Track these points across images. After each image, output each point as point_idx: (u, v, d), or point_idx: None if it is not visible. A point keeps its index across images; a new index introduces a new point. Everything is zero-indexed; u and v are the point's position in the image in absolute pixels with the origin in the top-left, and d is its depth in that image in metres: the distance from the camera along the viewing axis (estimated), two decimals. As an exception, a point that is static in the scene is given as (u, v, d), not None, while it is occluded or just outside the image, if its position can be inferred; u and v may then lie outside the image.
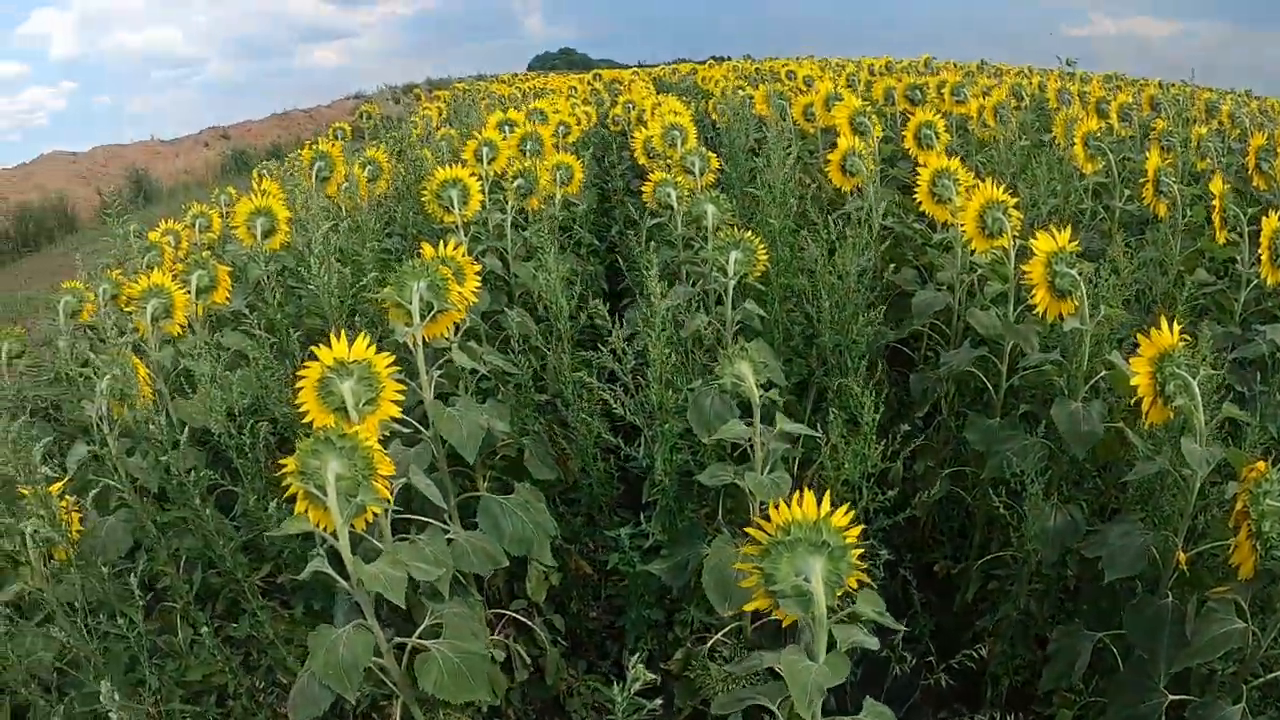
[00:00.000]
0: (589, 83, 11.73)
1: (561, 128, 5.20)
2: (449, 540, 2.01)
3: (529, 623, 2.70)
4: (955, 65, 13.83)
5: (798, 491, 1.57)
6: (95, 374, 2.51)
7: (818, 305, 3.06)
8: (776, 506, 1.57)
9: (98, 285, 4.05)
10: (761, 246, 2.92)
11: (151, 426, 2.37)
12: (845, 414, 2.59)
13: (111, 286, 3.88)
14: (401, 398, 1.95)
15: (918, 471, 3.27)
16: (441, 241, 2.48)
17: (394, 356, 1.94)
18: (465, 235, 3.23)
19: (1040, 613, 2.78)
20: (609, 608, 3.37)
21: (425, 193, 3.43)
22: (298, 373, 1.93)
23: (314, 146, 4.19)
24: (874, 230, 3.30)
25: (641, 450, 2.60)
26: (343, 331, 1.92)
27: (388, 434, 1.96)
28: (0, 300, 14.63)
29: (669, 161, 4.29)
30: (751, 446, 2.30)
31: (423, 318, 2.16)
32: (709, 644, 2.40)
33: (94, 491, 2.41)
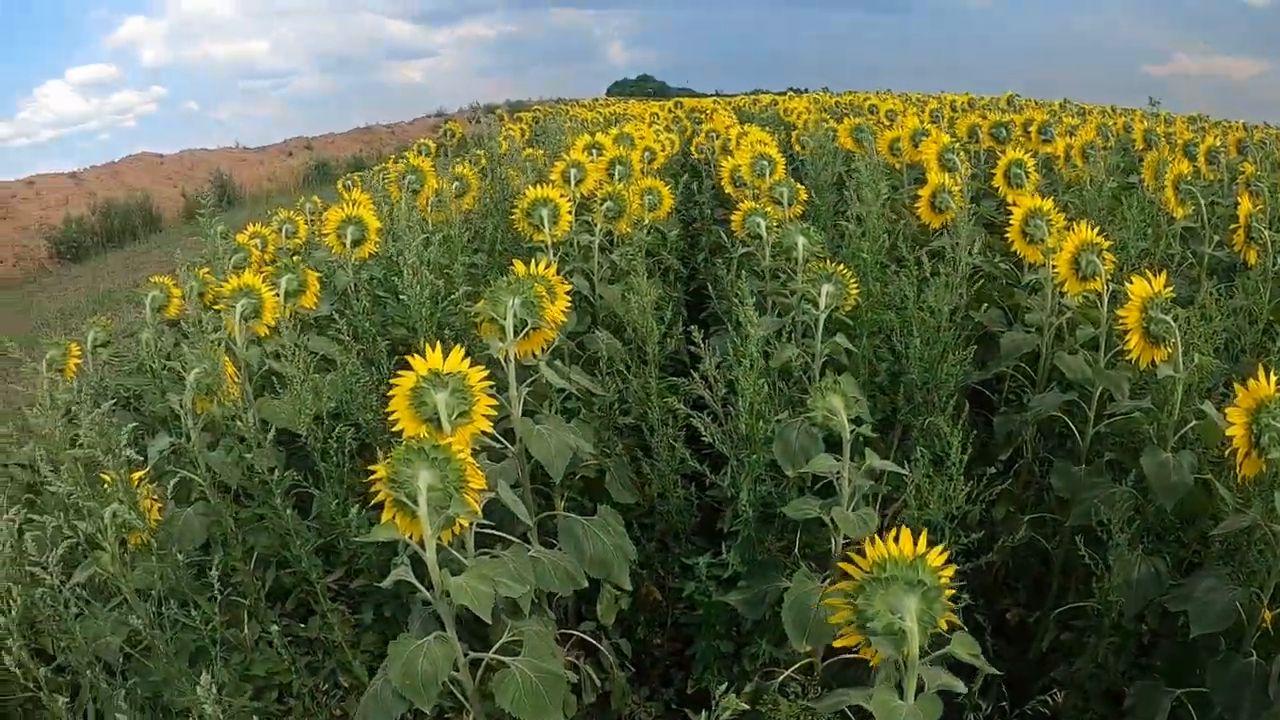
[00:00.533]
0: (670, 110, 11.77)
1: (647, 154, 5.22)
2: (532, 558, 2.00)
3: (597, 645, 2.68)
4: (1037, 103, 13.66)
5: (893, 529, 1.54)
6: (183, 368, 2.55)
7: (906, 342, 3.02)
8: (871, 543, 1.55)
9: (185, 282, 4.14)
10: (853, 280, 2.89)
11: (239, 423, 2.40)
12: (930, 453, 2.55)
13: (199, 284, 3.96)
14: (494, 412, 1.95)
15: (996, 516, 3.21)
16: (533, 260, 2.49)
17: (487, 370, 1.94)
18: (554, 255, 3.24)
19: (1115, 666, 2.69)
20: (675, 635, 3.34)
21: (516, 211, 3.45)
22: (390, 380, 1.94)
23: (401, 160, 4.26)
24: (964, 268, 3.25)
25: (727, 479, 2.58)
26: (437, 343, 1.93)
27: (476, 448, 1.96)
28: (84, 292, 15.02)
29: (756, 191, 4.28)
30: (838, 481, 2.27)
31: (516, 334, 2.16)
32: (779, 679, 2.37)
33: (173, 481, 2.43)
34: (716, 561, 2.65)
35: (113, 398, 3.67)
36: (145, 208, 22.62)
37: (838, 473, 2.26)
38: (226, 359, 2.68)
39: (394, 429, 1.92)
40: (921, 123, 5.65)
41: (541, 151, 5.31)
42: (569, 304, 2.44)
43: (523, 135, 8.05)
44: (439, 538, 1.69)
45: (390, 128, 33.27)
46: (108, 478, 2.36)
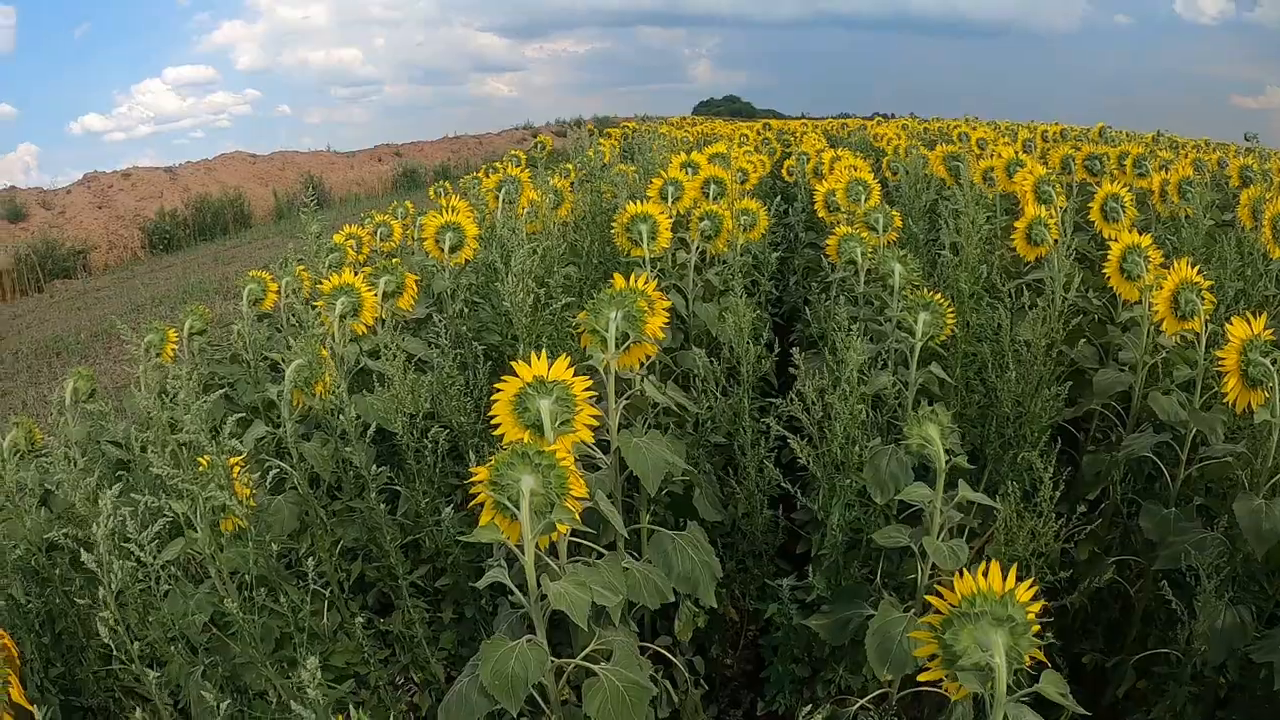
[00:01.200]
0: (759, 131, 11.76)
1: (739, 174, 5.23)
2: (624, 569, 2.02)
3: (673, 659, 2.69)
4: (1129, 135, 13.39)
5: (983, 563, 1.53)
6: (281, 360, 2.61)
7: (1000, 375, 2.99)
8: (960, 576, 1.54)
9: (280, 278, 4.24)
10: (949, 310, 2.87)
11: (341, 418, 2.45)
12: (1020, 488, 2.53)
13: (294, 280, 4.06)
14: (596, 423, 1.97)
15: (1078, 556, 3.16)
16: (631, 274, 2.51)
17: (592, 382, 1.96)
18: (650, 271, 3.26)
19: (1193, 716, 2.64)
20: (746, 656, 3.34)
21: (615, 225, 3.48)
22: (486, 386, 1.97)
23: (492, 172, 4.32)
24: (1059, 304, 3.21)
25: (817, 502, 2.57)
26: (542, 351, 1.95)
27: (574, 457, 1.98)
28: (175, 282, 15.40)
29: (850, 216, 4.27)
30: (929, 511, 2.26)
31: (616, 347, 2.18)
32: (853, 707, 2.35)
33: (273, 470, 2.49)
34: (800, 585, 2.64)
35: (206, 385, 3.78)
36: (237, 204, 23.22)
37: (930, 503, 2.24)
38: (325, 354, 2.74)
39: (495, 433, 1.95)
40: (1015, 153, 5.60)
41: (633, 168, 5.34)
42: (667, 319, 2.46)
43: (613, 151, 8.11)
44: (536, 543, 1.71)
45: (478, 138, 33.74)
46: (205, 461, 2.42)
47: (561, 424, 1.88)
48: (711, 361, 2.91)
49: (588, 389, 1.94)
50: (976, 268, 3.35)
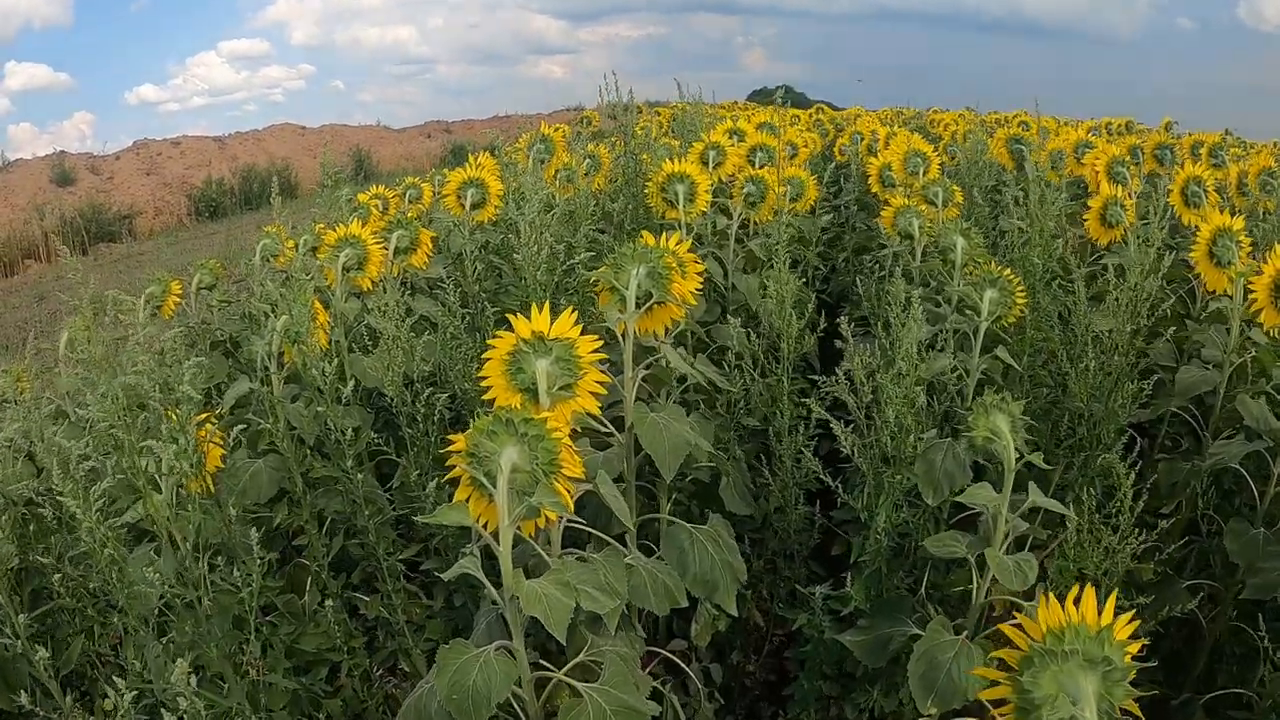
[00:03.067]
0: (812, 114, 11.37)
1: (789, 148, 4.89)
2: (628, 566, 1.70)
3: (685, 667, 2.38)
4: (1193, 135, 12.77)
5: (1077, 587, 1.23)
6: (273, 311, 2.34)
7: (1075, 365, 2.64)
8: (1044, 602, 1.23)
9: (300, 236, 3.98)
10: (1019, 288, 2.55)
11: (317, 374, 2.16)
12: (1094, 497, 2.19)
13: (312, 238, 3.78)
14: (603, 390, 1.65)
15: (1141, 575, 2.81)
16: (663, 236, 2.19)
17: (601, 341, 1.65)
18: (686, 237, 2.95)
19: (1270, 766, 2.30)
20: (771, 665, 3.03)
21: (650, 185, 3.17)
22: (486, 342, 1.67)
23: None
24: (1148, 288, 2.83)
25: (860, 501, 2.24)
26: (545, 304, 1.65)
27: (577, 430, 1.67)
28: (217, 248, 15.30)
29: (907, 191, 3.94)
30: (992, 519, 1.94)
31: (637, 307, 1.88)
32: (887, 737, 2.06)
33: (239, 428, 2.21)
34: (838, 594, 2.32)
35: (210, 341, 3.53)
36: (284, 175, 23.17)
37: (995, 508, 1.92)
38: (320, 309, 2.47)
39: (484, 397, 1.65)
40: (1086, 133, 5.24)
41: (678, 141, 5.00)
42: (700, 285, 2.13)
43: (661, 127, 7.80)
44: (518, 529, 1.40)
45: (529, 118, 33.50)
46: (174, 416, 2.18)
47: (560, 389, 1.58)
48: (749, 337, 2.59)
49: (596, 350, 1.63)
50: (1051, 242, 2.99)
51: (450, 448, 1.43)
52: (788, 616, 2.58)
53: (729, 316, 3.11)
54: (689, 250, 2.11)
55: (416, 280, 3.33)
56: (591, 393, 1.63)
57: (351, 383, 2.21)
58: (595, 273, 1.97)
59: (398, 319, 2.34)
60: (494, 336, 1.67)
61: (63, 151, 23.20)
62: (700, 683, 2.41)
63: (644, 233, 2.09)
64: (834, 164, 5.70)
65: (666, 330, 2.07)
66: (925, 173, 3.99)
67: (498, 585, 1.41)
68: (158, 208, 20.98)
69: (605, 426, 1.86)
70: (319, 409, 2.14)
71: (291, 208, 3.98)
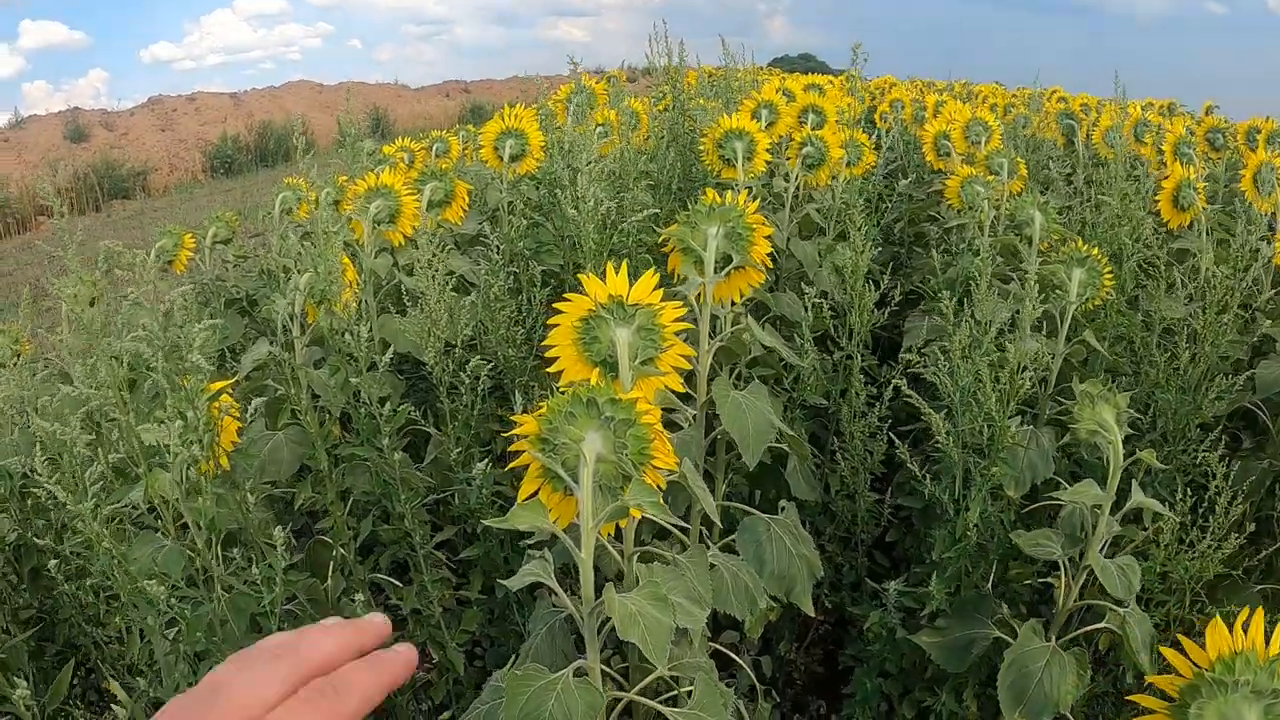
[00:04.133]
0: (847, 79, 11.01)
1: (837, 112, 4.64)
2: (711, 566, 1.48)
3: (736, 659, 2.16)
4: (1251, 121, 12.39)
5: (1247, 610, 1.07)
6: (296, 268, 2.12)
7: (1166, 352, 2.42)
8: (1214, 627, 1.06)
9: (321, 189, 3.77)
10: (1108, 269, 2.33)
11: (348, 337, 1.94)
12: (1189, 498, 1.98)
13: (335, 191, 3.56)
14: (687, 365, 1.43)
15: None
16: (729, 194, 1.96)
17: (685, 309, 1.43)
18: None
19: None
20: (817, 655, 2.84)
21: (704, 142, 2.94)
22: (553, 305, 1.43)
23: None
24: (1248, 270, 2.60)
25: (948, 493, 2.03)
26: (621, 264, 1.42)
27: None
28: (233, 205, 15.12)
29: (966, 161, 3.71)
30: (1094, 518, 1.73)
31: (716, 271, 1.66)
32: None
33: (256, 402, 2.00)
34: (919, 591, 2.11)
35: (225, 299, 3.32)
36: (300, 132, 22.90)
37: (1096, 508, 1.72)
38: (349, 265, 2.25)
39: (550, 369, 1.44)
40: (1141, 111, 4.97)
41: (714, 103, 4.74)
42: (770, 249, 1.91)
43: (690, 89, 7.55)
44: (600, 531, 1.16)
45: (549, 79, 33.05)
46: (185, 384, 1.97)
47: (643, 363, 1.36)
48: (821, 308, 2.36)
49: (680, 319, 1.42)
50: (1137, 219, 2.76)
51: (514, 431, 1.21)
52: (857, 613, 2.38)
53: (781, 288, 2.89)
54: (756, 206, 1.89)
55: (451, 235, 3.11)
56: (676, 368, 1.41)
57: (389, 350, 1.98)
58: (668, 231, 1.75)
59: (440, 278, 2.12)
60: (544, 306, 1.44)
61: (77, 108, 23.06)
62: (753, 675, 2.20)
63: (708, 190, 1.86)
64: (876, 130, 5.46)
65: (739, 297, 1.85)
66: (987, 142, 3.75)
67: (571, 592, 1.19)
68: (172, 164, 20.78)
69: (678, 405, 1.64)
70: (351, 377, 1.92)
71: (308, 164, 3.76)
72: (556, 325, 1.41)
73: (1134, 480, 1.76)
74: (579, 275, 1.42)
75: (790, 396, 2.29)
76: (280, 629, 1.77)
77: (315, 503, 2.12)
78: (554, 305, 1.42)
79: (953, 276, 2.91)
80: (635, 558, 1.37)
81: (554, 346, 1.42)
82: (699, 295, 1.61)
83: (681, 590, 1.28)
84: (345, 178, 3.52)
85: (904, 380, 2.00)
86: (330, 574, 2.15)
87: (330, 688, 0.58)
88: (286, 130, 22.63)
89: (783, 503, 1.93)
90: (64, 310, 2.91)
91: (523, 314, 2.30)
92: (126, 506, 1.77)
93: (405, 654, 0.66)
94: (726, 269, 1.69)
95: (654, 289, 1.38)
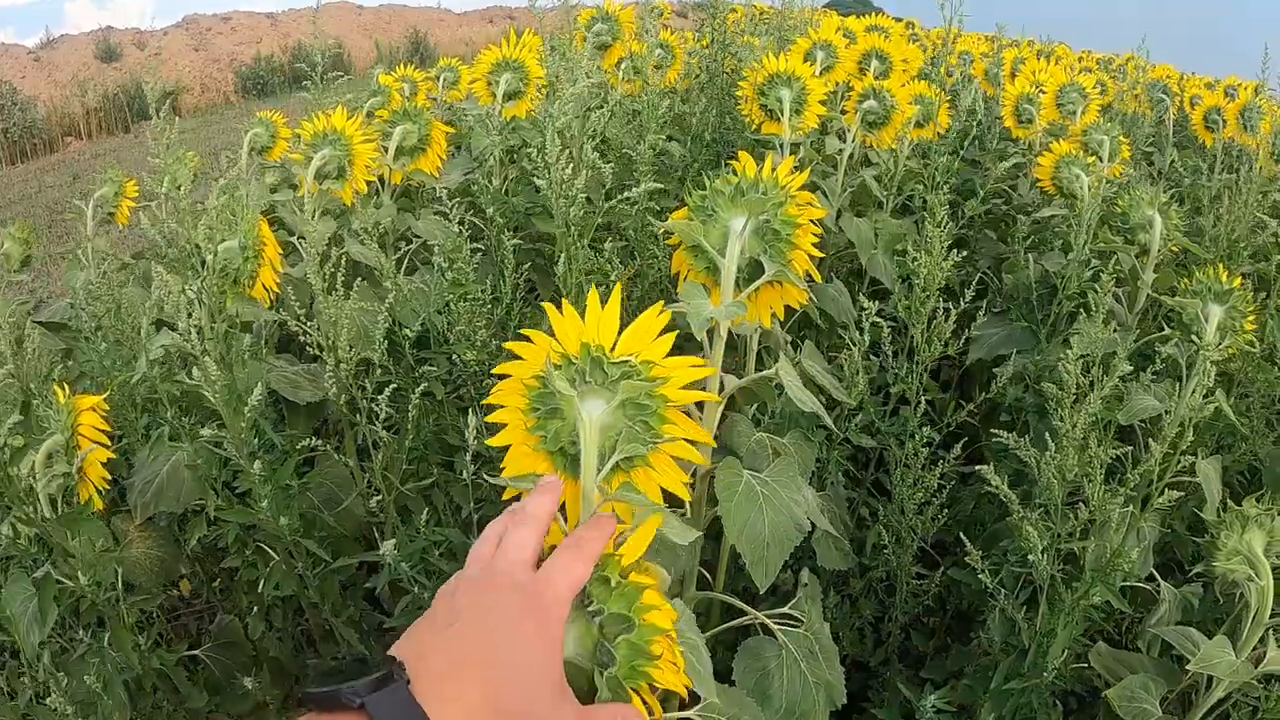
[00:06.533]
0: (907, 28, 10.26)
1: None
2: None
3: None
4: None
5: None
6: (205, 240, 1.59)
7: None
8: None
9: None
10: (1250, 307, 1.77)
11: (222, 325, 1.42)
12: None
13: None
14: (698, 457, 0.87)
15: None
16: (769, 159, 1.38)
17: (703, 363, 0.85)
18: (786, 157, 2.13)
19: None
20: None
21: (743, 87, 2.36)
22: (504, 345, 0.88)
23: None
24: None
25: (1038, 619, 1.47)
26: (616, 288, 0.87)
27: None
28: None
29: (1050, 131, 3.12)
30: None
31: (740, 286, 1.12)
32: None
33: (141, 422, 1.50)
34: (949, 708, 1.55)
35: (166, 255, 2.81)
36: (337, 55, 22.44)
37: (1233, 671, 1.21)
38: (269, 236, 1.73)
39: (490, 441, 0.90)
40: (1254, 92, 4.33)
41: (766, 40, 4.10)
42: (817, 237, 1.34)
43: (734, 26, 6.91)
44: None
45: (598, 8, 32.25)
46: (61, 394, 1.50)
47: (626, 460, 0.83)
48: (880, 320, 1.78)
49: (693, 377, 0.85)
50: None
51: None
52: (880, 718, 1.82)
53: (829, 272, 2.35)
54: (805, 177, 1.32)
55: (433, 190, 2.57)
56: (676, 460, 0.86)
57: (257, 390, 1.44)
58: (671, 218, 1.20)
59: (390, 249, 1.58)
60: (537, 292, 0.91)
61: (109, 27, 22.59)
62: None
63: (742, 154, 1.30)
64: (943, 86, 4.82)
65: (771, 315, 1.30)
66: (1083, 113, 3.13)
67: None
68: (204, 85, 20.36)
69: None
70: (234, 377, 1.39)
71: (341, 88, 3.28)
72: (499, 392, 0.88)
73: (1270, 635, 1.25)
74: (543, 305, 0.87)
75: (829, 435, 1.74)
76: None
77: (219, 542, 1.64)
78: (504, 342, 0.88)
79: (1035, 277, 2.36)
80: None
81: (498, 410, 0.88)
82: (709, 325, 1.06)
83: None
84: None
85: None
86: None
87: (574, 542, 0.74)
88: (321, 52, 22.20)
89: (804, 576, 1.40)
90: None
91: (493, 300, 1.74)
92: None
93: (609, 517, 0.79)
94: (755, 284, 1.15)
95: (659, 333, 0.84)
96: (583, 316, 0.84)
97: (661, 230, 1.24)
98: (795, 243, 1.18)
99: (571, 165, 1.48)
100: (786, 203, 1.18)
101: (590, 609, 0.73)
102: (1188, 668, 1.26)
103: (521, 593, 0.69)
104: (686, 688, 0.78)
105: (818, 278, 1.26)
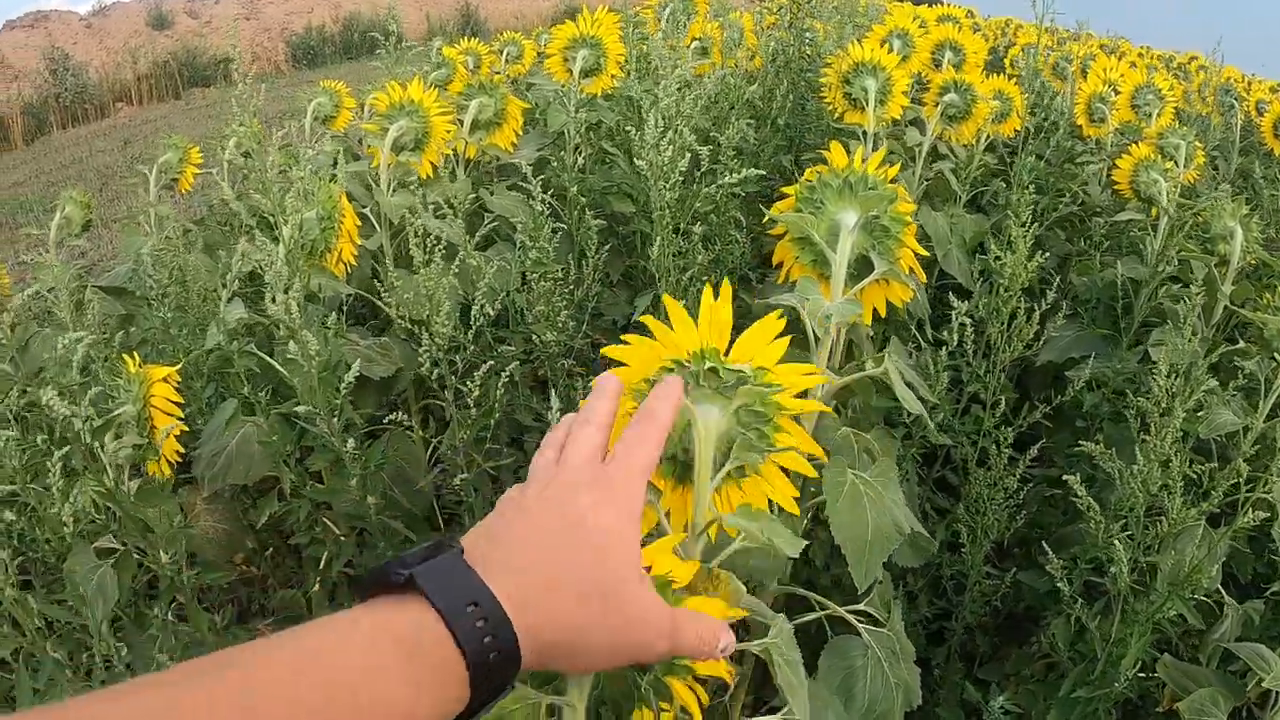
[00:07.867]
0: (969, 14, 10.05)
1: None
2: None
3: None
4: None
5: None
6: (280, 212, 1.58)
7: None
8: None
9: (364, 96, 3.26)
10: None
11: (288, 304, 1.40)
12: None
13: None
14: (807, 469, 0.82)
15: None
16: (858, 152, 1.34)
17: (814, 370, 0.82)
18: (874, 150, 2.10)
19: None
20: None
21: (826, 75, 2.33)
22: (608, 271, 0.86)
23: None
24: None
25: (1111, 626, 1.43)
26: (724, 284, 0.83)
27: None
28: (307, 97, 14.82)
29: (1122, 132, 3.06)
30: None
31: (850, 282, 1.10)
32: None
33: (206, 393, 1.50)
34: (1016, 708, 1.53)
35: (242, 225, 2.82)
36: (387, 25, 22.51)
37: None
38: (348, 209, 1.72)
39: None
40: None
41: (836, 24, 4.03)
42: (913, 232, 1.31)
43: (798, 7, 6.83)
44: None
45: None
46: (131, 364, 1.49)
47: (738, 469, 0.80)
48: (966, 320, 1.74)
49: (804, 378, 0.81)
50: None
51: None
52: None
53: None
54: (895, 172, 1.28)
55: (505, 165, 2.55)
56: (785, 469, 0.84)
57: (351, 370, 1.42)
58: (777, 209, 1.18)
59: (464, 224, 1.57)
60: (616, 268, 0.89)
61: (162, -8, 22.78)
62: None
63: (835, 145, 1.27)
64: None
65: (871, 320, 1.27)
66: (1158, 115, 3.07)
67: None
68: (255, 54, 20.46)
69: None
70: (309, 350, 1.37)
71: (393, 60, 3.27)
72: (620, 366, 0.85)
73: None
74: (644, 318, 0.84)
75: (909, 432, 1.72)
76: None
77: (292, 520, 1.63)
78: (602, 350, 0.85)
79: (1109, 279, 2.31)
80: None
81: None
82: (818, 320, 1.03)
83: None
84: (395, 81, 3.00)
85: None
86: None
87: (645, 415, 0.72)
88: (373, 23, 22.20)
89: (879, 574, 1.38)
90: (53, 234, 2.54)
91: (574, 279, 1.73)
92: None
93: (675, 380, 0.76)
94: (864, 280, 1.13)
95: (775, 338, 0.81)
96: (692, 314, 0.81)
97: (765, 221, 1.21)
98: (903, 240, 1.15)
99: (672, 147, 1.45)
100: (896, 199, 1.15)
101: None
102: (1264, 684, 1.24)
103: (593, 476, 0.67)
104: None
105: (921, 276, 1.23)
